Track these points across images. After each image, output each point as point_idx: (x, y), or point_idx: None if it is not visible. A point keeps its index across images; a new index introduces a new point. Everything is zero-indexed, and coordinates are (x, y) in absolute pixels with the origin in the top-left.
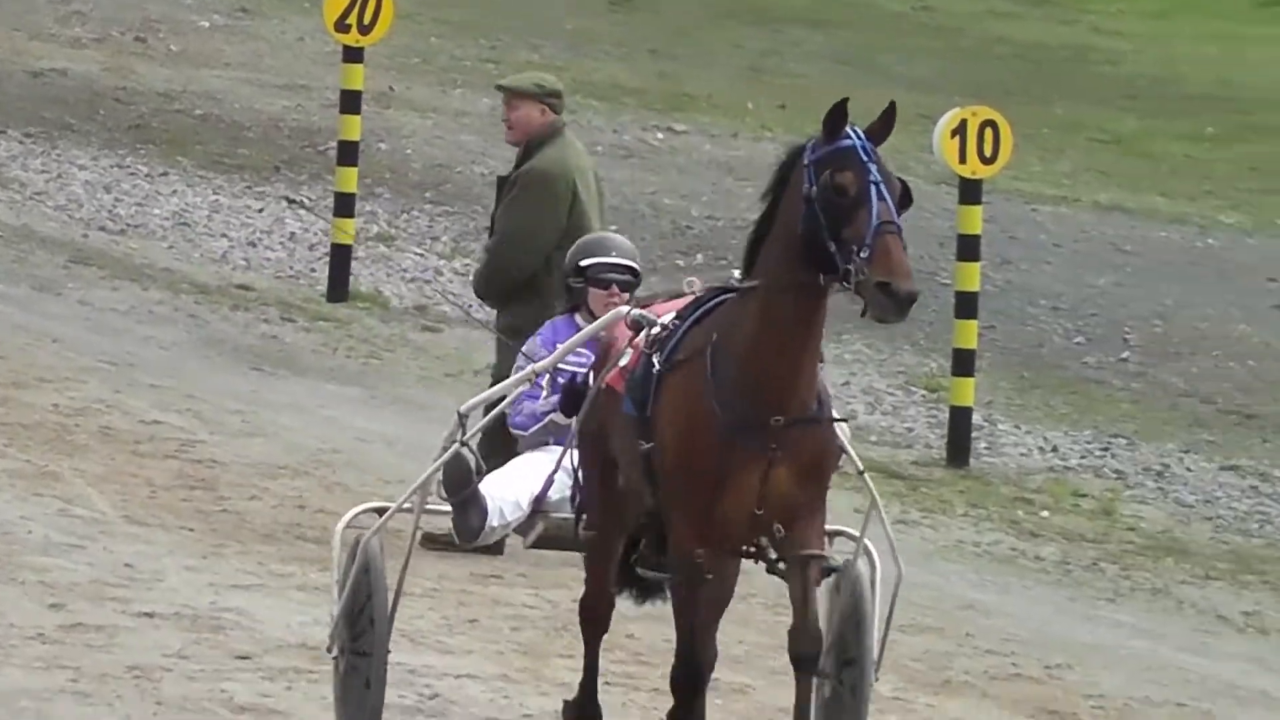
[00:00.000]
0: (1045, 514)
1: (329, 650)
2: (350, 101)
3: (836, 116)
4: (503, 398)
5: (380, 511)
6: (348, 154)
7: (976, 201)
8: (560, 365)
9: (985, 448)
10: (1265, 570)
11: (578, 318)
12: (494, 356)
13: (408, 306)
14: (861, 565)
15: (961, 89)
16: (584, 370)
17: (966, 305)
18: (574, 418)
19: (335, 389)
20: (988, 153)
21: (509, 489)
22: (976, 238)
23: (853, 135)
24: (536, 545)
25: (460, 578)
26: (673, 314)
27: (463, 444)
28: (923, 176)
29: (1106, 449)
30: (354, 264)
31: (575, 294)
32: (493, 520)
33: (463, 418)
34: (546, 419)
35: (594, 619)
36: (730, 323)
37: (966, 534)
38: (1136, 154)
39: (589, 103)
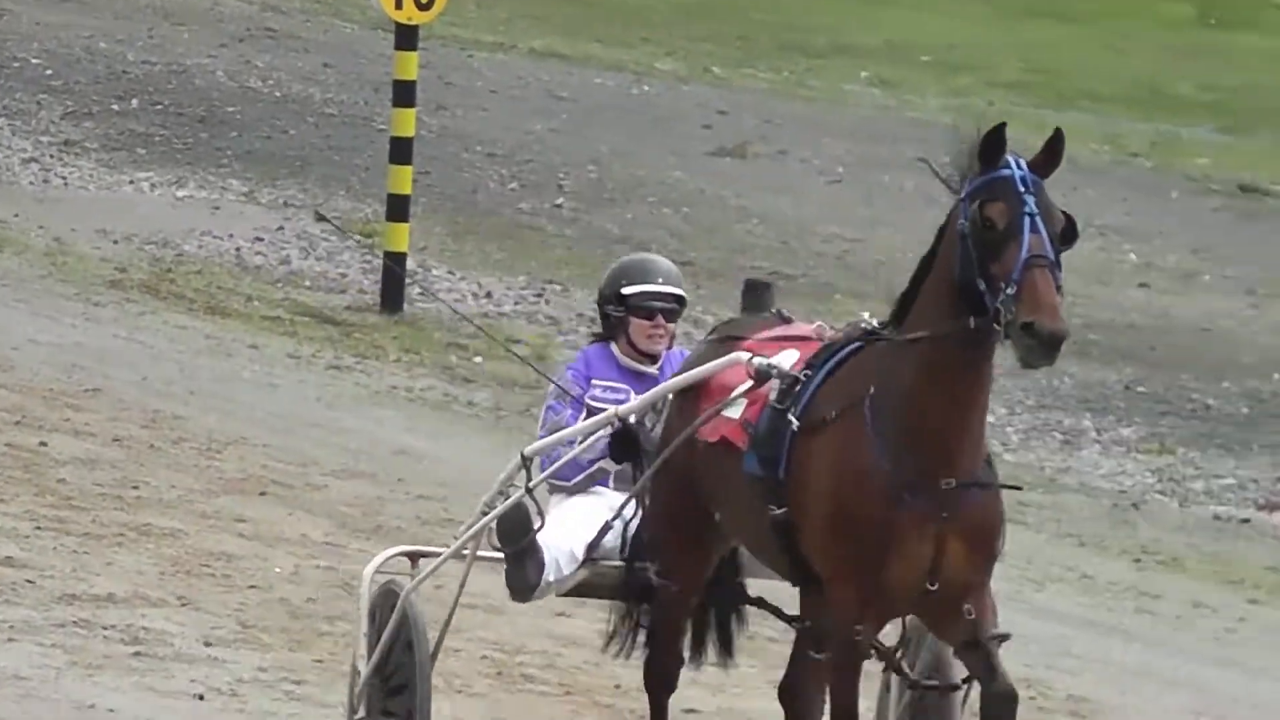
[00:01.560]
0: (479, 360)
1: (354, 712)
2: None
3: (993, 144)
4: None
5: (412, 556)
6: None
7: (412, 48)
8: (596, 403)
9: (419, 294)
10: None
11: (614, 348)
12: None
13: None
14: None
15: None
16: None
17: (401, 151)
18: (624, 464)
19: None
20: None
21: (563, 539)
22: (412, 84)
23: (1012, 165)
24: (572, 593)
25: None
26: (801, 363)
27: (527, 490)
28: (359, 22)
29: (540, 295)
30: None
31: (613, 323)
32: (549, 574)
33: (527, 461)
34: (594, 467)
35: (662, 678)
36: (888, 373)
37: (400, 379)
38: (573, 0)
39: None
